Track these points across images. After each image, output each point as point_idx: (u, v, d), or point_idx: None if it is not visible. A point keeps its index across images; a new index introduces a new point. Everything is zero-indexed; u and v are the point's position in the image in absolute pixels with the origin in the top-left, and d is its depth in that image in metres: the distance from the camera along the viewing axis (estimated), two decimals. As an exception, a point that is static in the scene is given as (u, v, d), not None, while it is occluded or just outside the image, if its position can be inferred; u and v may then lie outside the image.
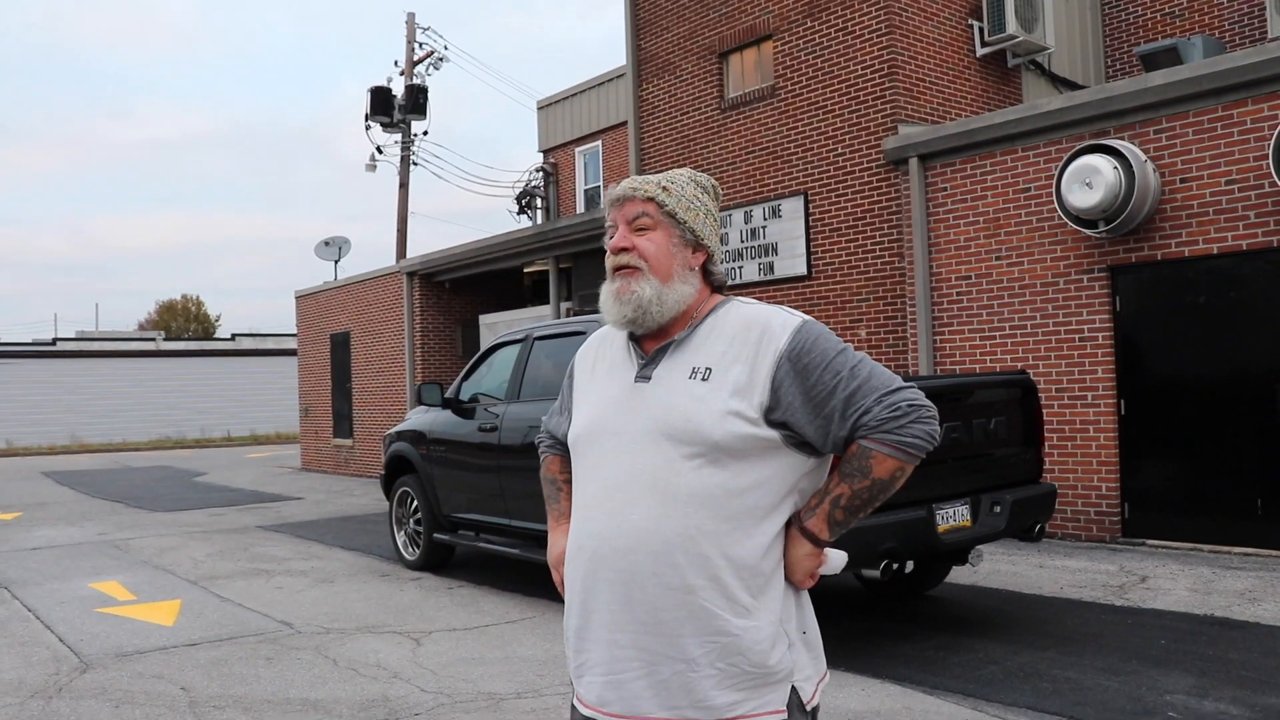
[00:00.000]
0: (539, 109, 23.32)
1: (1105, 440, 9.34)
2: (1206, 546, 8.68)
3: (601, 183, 21.24)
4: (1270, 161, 8.08)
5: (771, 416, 1.99)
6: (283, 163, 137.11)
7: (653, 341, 2.14)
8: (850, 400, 2.00)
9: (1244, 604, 6.79)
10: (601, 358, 2.24)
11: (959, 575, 7.86)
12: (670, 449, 1.99)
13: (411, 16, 25.34)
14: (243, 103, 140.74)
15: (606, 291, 2.13)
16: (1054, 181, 9.39)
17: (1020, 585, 7.72)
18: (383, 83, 24.59)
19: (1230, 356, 8.67)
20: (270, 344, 39.55)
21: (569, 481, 2.30)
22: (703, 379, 2.02)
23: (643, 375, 2.09)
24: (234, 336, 41.25)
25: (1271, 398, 8.39)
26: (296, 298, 23.27)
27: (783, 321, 2.05)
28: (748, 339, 2.04)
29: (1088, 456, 9.44)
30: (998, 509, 6.20)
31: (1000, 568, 8.33)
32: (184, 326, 63.18)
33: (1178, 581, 7.55)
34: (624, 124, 18.38)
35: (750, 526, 2.00)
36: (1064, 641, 6.09)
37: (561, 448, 2.39)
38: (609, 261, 2.14)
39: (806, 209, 11.99)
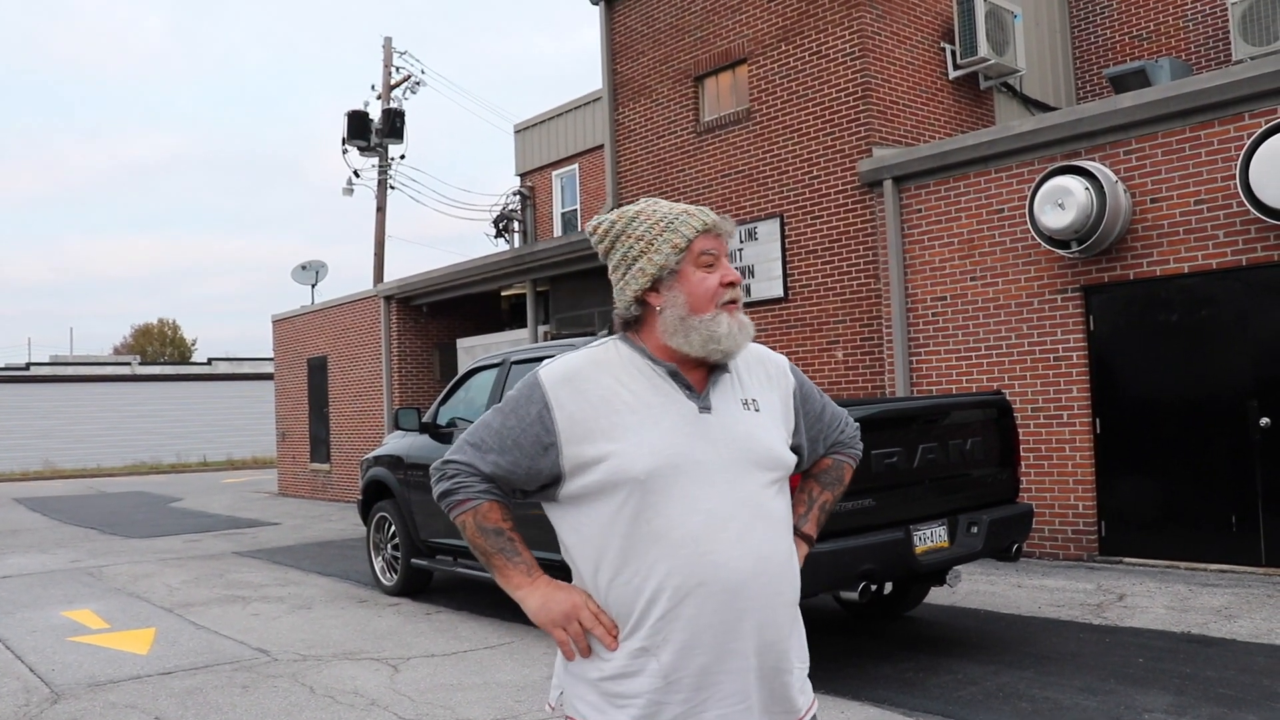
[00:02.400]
0: (516, 132, 23.37)
1: (1081, 459, 9.39)
2: (1183, 564, 8.73)
3: (579, 206, 21.29)
4: (1238, 182, 8.18)
5: (792, 443, 2.26)
6: (259, 186, 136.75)
7: (692, 373, 2.16)
8: (830, 424, 2.41)
9: (1220, 621, 6.82)
10: (617, 390, 2.11)
11: (937, 596, 7.88)
12: (759, 476, 2.11)
13: (389, 40, 25.40)
14: (218, 125, 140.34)
15: (729, 322, 2.13)
16: (1027, 202, 9.47)
17: (999, 605, 7.74)
18: (359, 106, 24.70)
19: (1202, 374, 8.74)
20: (247, 368, 39.38)
21: (516, 530, 2.18)
22: (755, 410, 2.18)
23: (704, 406, 2.12)
24: (210, 361, 41.07)
25: (1243, 414, 8.46)
26: (273, 322, 23.18)
27: (776, 358, 2.33)
28: (766, 372, 2.27)
29: (1064, 475, 9.49)
30: (975, 529, 6.22)
31: (979, 588, 8.35)
32: (160, 350, 62.82)
33: (1155, 599, 7.58)
34: (601, 147, 18.46)
35: None
36: (1043, 661, 6.11)
37: (499, 492, 2.16)
38: (728, 293, 2.15)
39: (783, 231, 12.05)
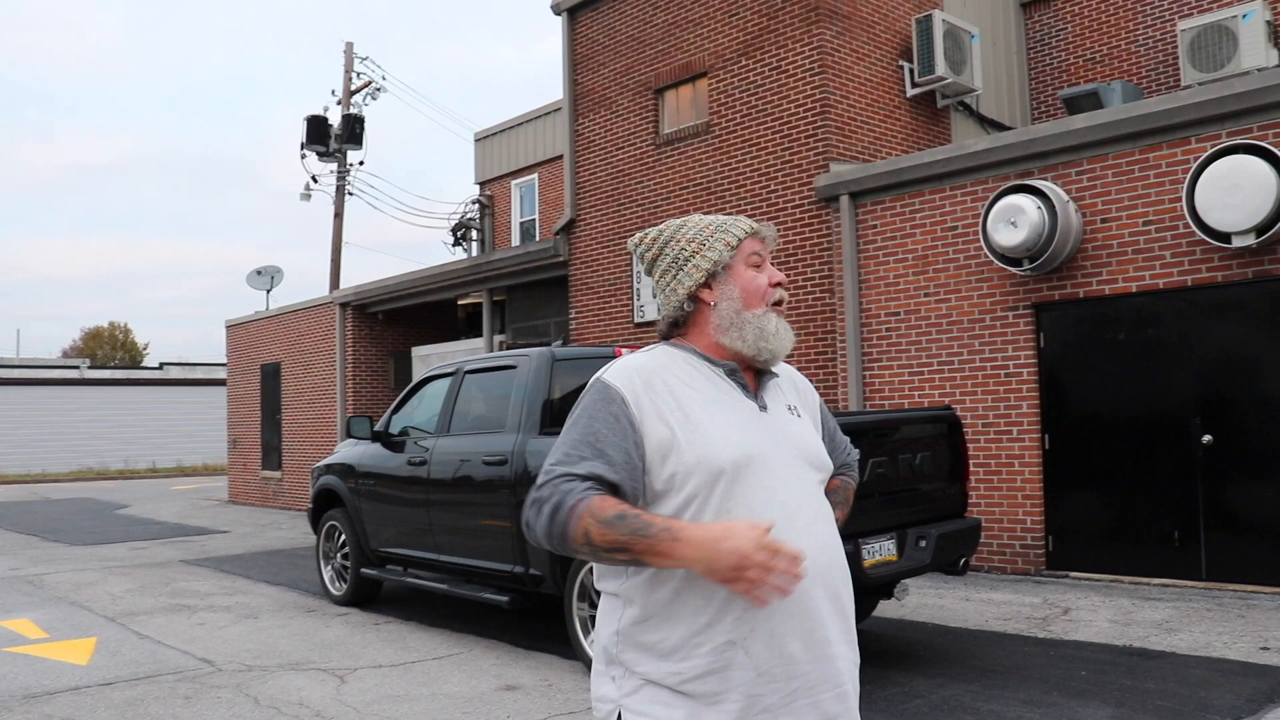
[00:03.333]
0: (476, 141, 23.32)
1: (1030, 474, 9.50)
2: (1127, 578, 8.85)
3: (537, 215, 21.27)
4: (1184, 204, 8.32)
5: None
6: (215, 190, 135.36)
7: (747, 374, 2.25)
8: (840, 446, 2.53)
9: (1161, 634, 6.92)
10: (683, 385, 2.13)
11: (886, 609, 7.93)
12: (813, 474, 2.21)
13: (350, 46, 25.25)
14: (174, 128, 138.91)
15: (776, 323, 2.23)
16: (980, 220, 9.58)
17: (946, 618, 7.80)
18: (319, 111, 24.49)
19: (1148, 392, 8.88)
20: (199, 373, 38.93)
21: (637, 506, 2.05)
22: (798, 415, 2.29)
23: (762, 405, 2.22)
24: (162, 366, 40.54)
25: (1186, 432, 8.60)
26: (227, 327, 22.94)
27: (802, 376, 2.46)
28: (796, 386, 2.39)
29: (1013, 490, 9.59)
30: (923, 543, 6.27)
31: (927, 601, 8.41)
32: (110, 355, 61.91)
33: (1099, 613, 7.67)
34: (560, 157, 18.46)
35: None
36: (988, 674, 6.16)
37: (608, 489, 2.02)
38: (774, 294, 2.25)
39: (739, 244, 12.08)
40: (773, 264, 2.29)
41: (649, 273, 2.31)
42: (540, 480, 2.03)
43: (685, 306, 2.23)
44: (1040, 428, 9.48)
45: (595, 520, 1.95)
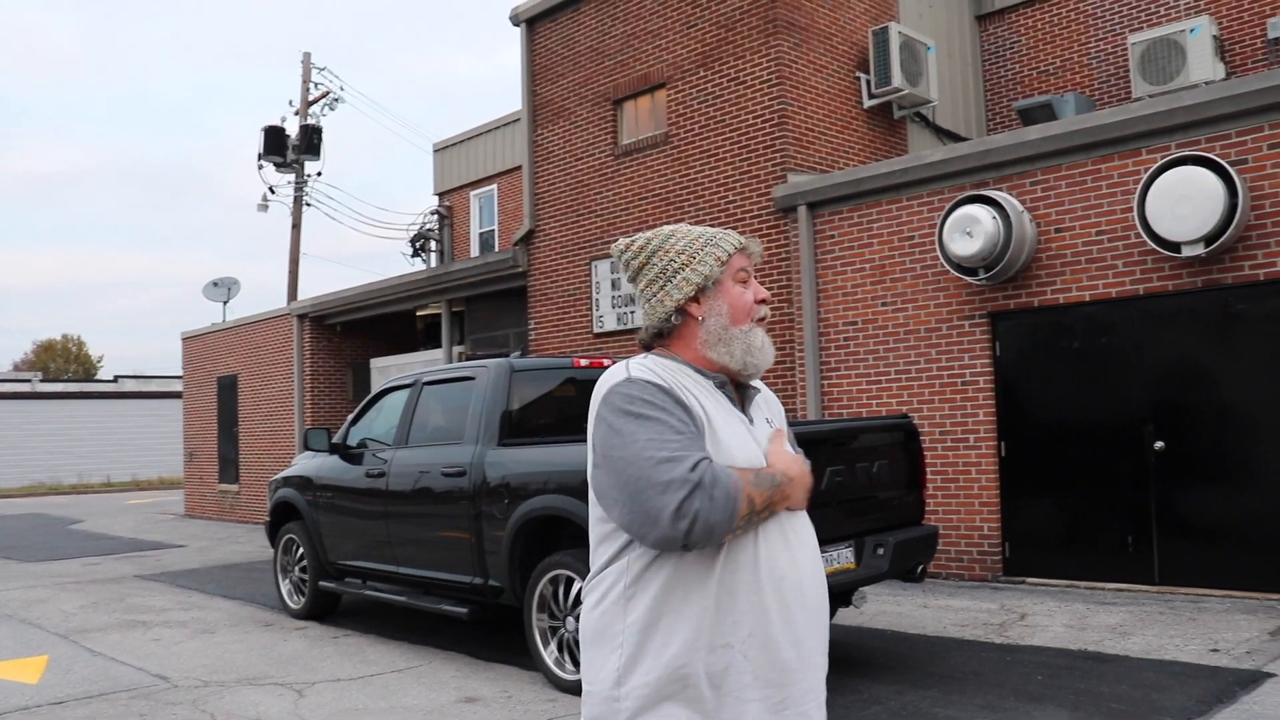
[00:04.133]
0: (435, 151, 23.26)
1: (987, 482, 9.59)
2: (1083, 583, 8.95)
3: (496, 226, 21.24)
4: (1135, 214, 8.45)
5: None
6: (171, 200, 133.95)
7: (733, 387, 2.28)
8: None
9: (1115, 638, 7.01)
10: (700, 398, 2.16)
11: (844, 617, 7.97)
12: None
13: (308, 56, 25.14)
14: (129, 137, 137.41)
15: (763, 336, 2.26)
16: (936, 230, 9.67)
17: (905, 625, 7.85)
18: (276, 122, 24.36)
19: (1102, 399, 9.00)
20: (155, 386, 38.50)
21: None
22: (773, 428, 2.31)
23: (750, 419, 2.26)
24: (117, 378, 40.08)
25: (1139, 438, 8.72)
26: (183, 339, 22.70)
27: (770, 391, 2.46)
28: (767, 396, 2.40)
29: (970, 498, 9.68)
30: (881, 551, 6.31)
31: (886, 608, 8.47)
32: (63, 367, 61.08)
33: (1055, 618, 7.75)
34: (520, 168, 18.45)
35: None
36: (946, 680, 6.21)
37: None
38: (759, 310, 2.28)
39: (699, 254, 12.12)
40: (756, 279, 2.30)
41: (632, 280, 2.31)
42: (675, 475, 1.94)
43: (673, 319, 2.24)
44: (996, 435, 9.57)
45: (752, 487, 2.03)
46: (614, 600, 2.11)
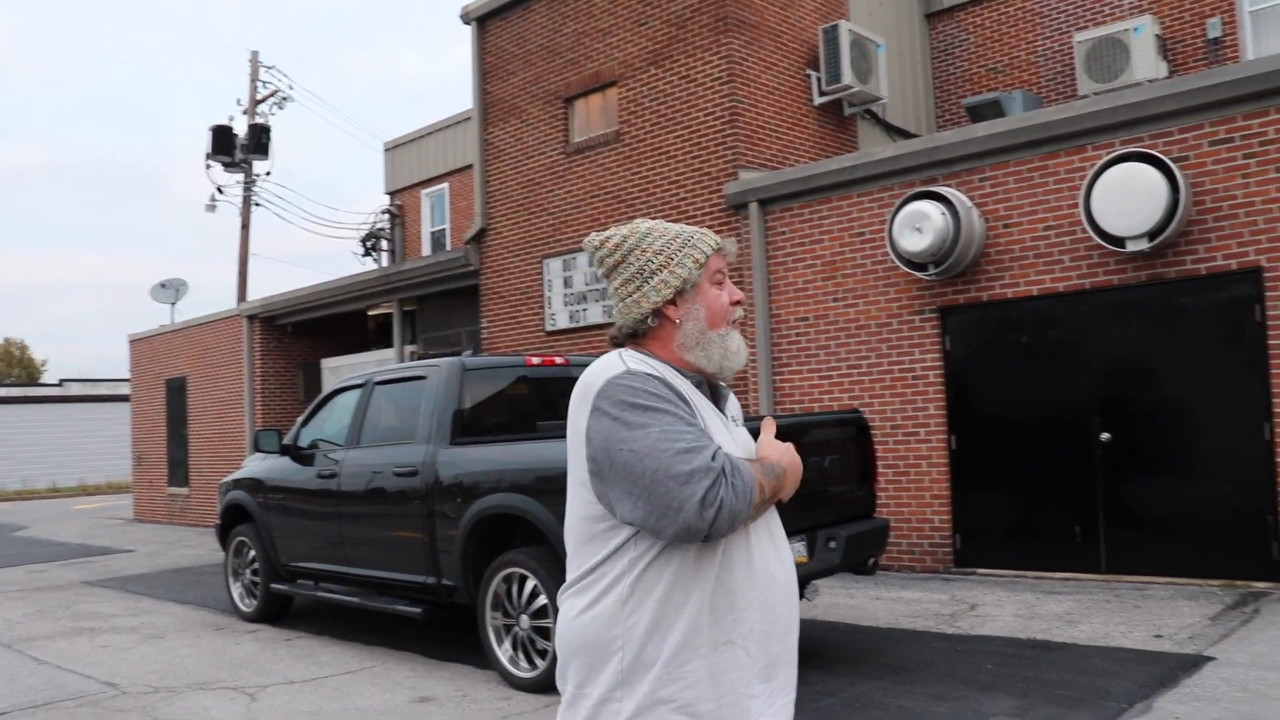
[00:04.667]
0: (386, 150, 23.10)
1: (937, 475, 9.69)
2: (1031, 573, 9.07)
3: (448, 225, 21.13)
4: (1081, 210, 8.58)
5: None
6: (117, 201, 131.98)
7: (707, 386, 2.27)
8: None
9: (1063, 626, 7.11)
10: (688, 393, 2.14)
11: (800, 610, 8.00)
12: None
13: (255, 54, 24.86)
14: (73, 137, 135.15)
15: (738, 339, 2.25)
16: (886, 226, 9.76)
17: (857, 618, 7.91)
18: (224, 121, 24.05)
19: (1050, 392, 9.12)
20: (103, 389, 37.88)
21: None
22: (740, 427, 2.30)
23: (725, 417, 2.26)
24: (62, 382, 39.38)
25: (1086, 430, 8.86)
26: (130, 341, 22.38)
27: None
28: (731, 396, 2.38)
29: (921, 491, 9.77)
30: (833, 544, 6.36)
31: (839, 601, 8.53)
32: (6, 372, 59.94)
33: (1004, 608, 7.85)
34: (471, 167, 18.35)
35: None
36: (898, 671, 6.27)
37: None
38: (734, 312, 2.26)
39: (651, 252, 12.13)
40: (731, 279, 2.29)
41: (606, 276, 2.27)
42: (698, 464, 1.93)
43: (649, 321, 2.20)
44: (947, 429, 9.67)
45: (761, 476, 2.05)
46: (611, 603, 2.06)
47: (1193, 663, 5.97)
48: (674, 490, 1.92)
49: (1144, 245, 8.24)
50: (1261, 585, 7.92)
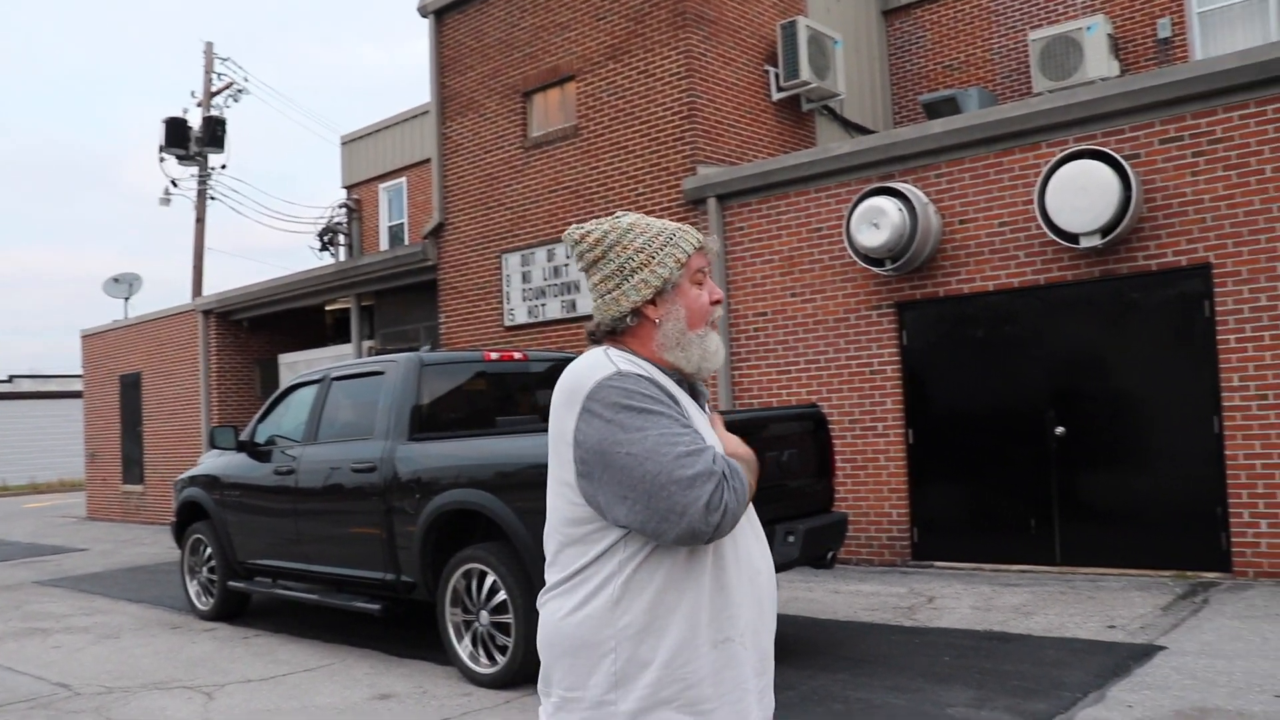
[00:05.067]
0: (343, 144, 22.91)
1: (895, 469, 9.77)
2: (988, 566, 9.18)
3: (405, 219, 21.01)
4: (1036, 206, 8.68)
5: None
6: (68, 193, 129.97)
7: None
8: None
9: (1019, 618, 7.20)
10: (674, 391, 2.14)
11: (759, 603, 8.04)
12: None
13: (210, 46, 24.54)
14: (20, 128, 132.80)
15: (716, 340, 2.24)
16: (844, 222, 9.82)
17: (816, 611, 7.97)
18: (178, 113, 23.71)
19: (1006, 386, 9.23)
20: (54, 385, 37.28)
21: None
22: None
23: (704, 412, 2.24)
24: (12, 378, 38.70)
25: (1041, 424, 8.97)
26: (82, 337, 22.05)
27: None
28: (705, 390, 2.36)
29: (879, 484, 9.85)
30: (791, 538, 6.39)
31: (798, 595, 8.58)
32: (-45, 369, 58.85)
33: (961, 600, 7.94)
34: (429, 161, 18.25)
35: None
36: (857, 663, 6.33)
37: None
38: (714, 311, 2.25)
39: (611, 247, 12.12)
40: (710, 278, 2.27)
41: (585, 271, 2.24)
42: (700, 469, 1.93)
43: (628, 320, 2.17)
44: (904, 423, 9.76)
45: (747, 474, 2.08)
46: (601, 605, 2.02)
47: (1144, 652, 6.07)
48: (676, 495, 1.91)
49: (1097, 241, 8.35)
50: (1211, 575, 8.07)
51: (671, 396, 2.08)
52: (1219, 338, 8.11)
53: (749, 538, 2.17)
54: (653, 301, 2.16)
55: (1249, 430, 7.97)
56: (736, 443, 2.18)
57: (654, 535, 1.97)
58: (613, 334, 2.21)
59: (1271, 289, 7.90)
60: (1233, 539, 8.02)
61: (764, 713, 2.15)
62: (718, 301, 2.24)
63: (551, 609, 2.11)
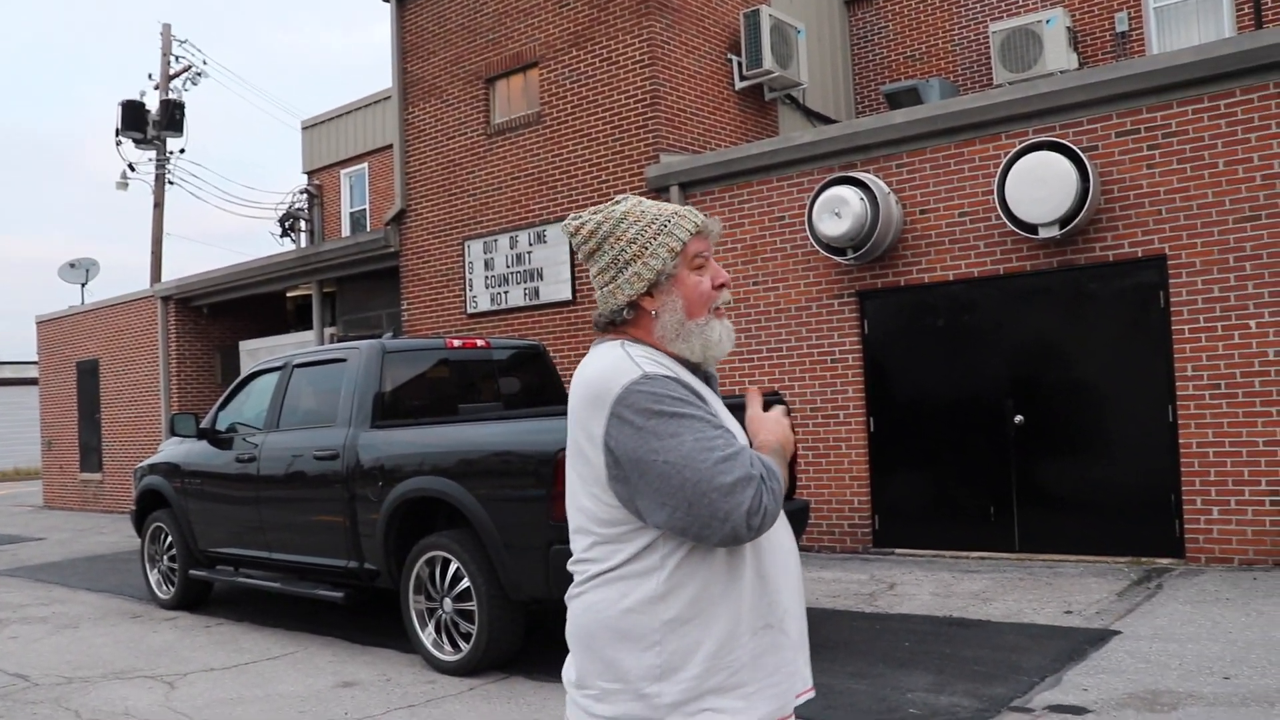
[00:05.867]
0: (304, 129, 22.72)
1: (857, 456, 9.86)
2: (948, 553, 9.29)
3: (368, 205, 20.87)
4: (996, 196, 8.77)
5: None
6: (22, 177, 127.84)
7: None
8: None
9: (978, 604, 7.31)
10: (700, 389, 2.11)
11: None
12: None
13: (168, 28, 24.19)
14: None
15: (720, 328, 2.16)
16: (806, 211, 9.88)
17: (779, 597, 8.02)
18: (136, 96, 23.36)
19: (965, 376, 9.33)
20: (8, 373, 36.73)
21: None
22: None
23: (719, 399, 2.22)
24: (-35, 365, 38.08)
25: (1000, 413, 9.08)
26: (38, 323, 21.77)
27: None
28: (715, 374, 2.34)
29: (841, 472, 9.94)
30: (754, 525, 6.43)
31: (761, 581, 8.63)
32: (-93, 355, 57.81)
33: (922, 587, 8.04)
34: (391, 146, 18.14)
35: None
36: (818, 649, 6.35)
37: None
38: (718, 297, 2.17)
39: (574, 235, 12.12)
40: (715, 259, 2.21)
41: (584, 261, 2.21)
42: (739, 474, 1.92)
43: (625, 313, 2.14)
44: (866, 411, 9.85)
45: (780, 466, 2.06)
46: (643, 599, 2.01)
47: (1100, 637, 6.18)
48: (718, 502, 1.90)
49: (1055, 232, 8.45)
50: (1165, 561, 8.22)
51: (699, 395, 2.04)
52: (1174, 328, 8.25)
53: (779, 522, 2.15)
54: (649, 293, 2.13)
55: (1202, 419, 8.11)
56: (774, 427, 2.15)
57: (698, 539, 1.96)
58: (614, 325, 2.18)
59: (1224, 280, 8.04)
60: (1186, 525, 8.17)
61: (804, 682, 2.17)
62: (722, 285, 2.18)
63: (587, 602, 2.09)
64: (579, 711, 2.10)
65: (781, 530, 2.17)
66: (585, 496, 2.09)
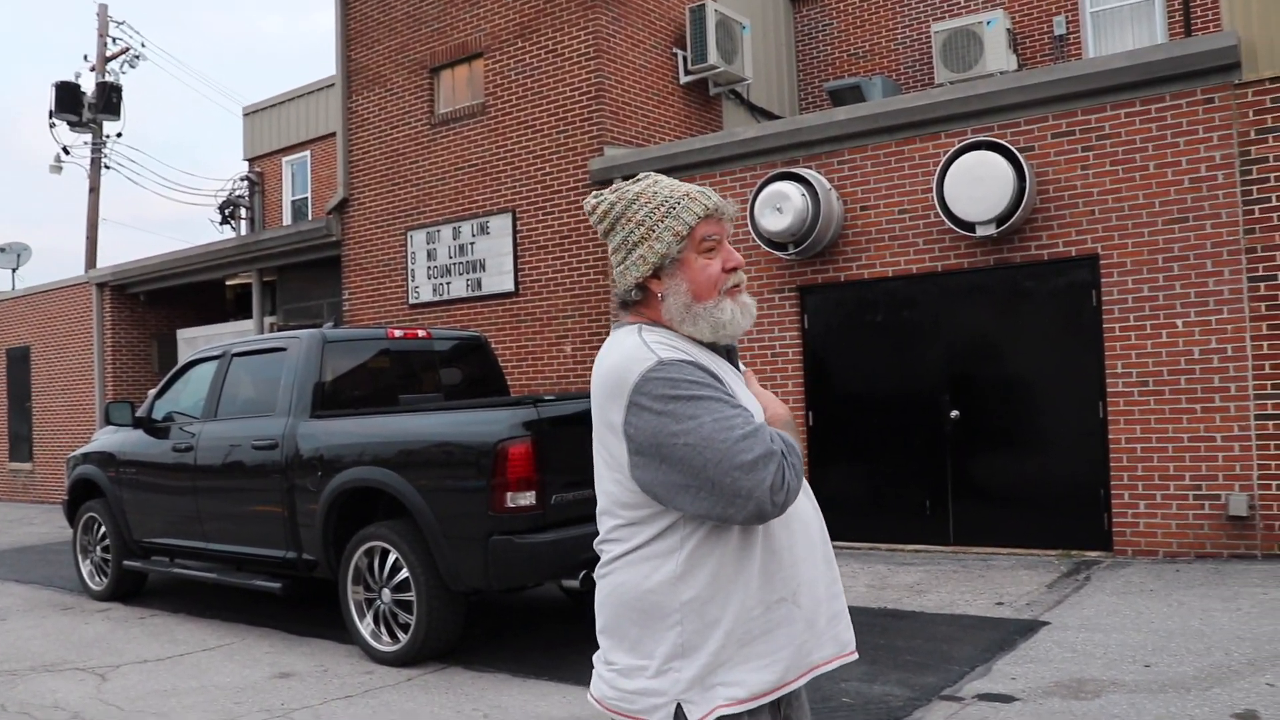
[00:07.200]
0: (245, 115, 22.40)
1: (796, 450, 9.95)
2: (884, 545, 9.43)
3: (310, 194, 20.65)
4: (934, 194, 8.90)
5: None
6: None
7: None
8: None
9: (912, 596, 7.43)
10: (716, 369, 2.13)
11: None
12: None
13: (104, 9, 23.74)
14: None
15: (731, 308, 2.16)
16: (748, 206, 9.95)
17: (717, 589, 8.09)
18: (71, 78, 22.89)
19: (903, 371, 9.47)
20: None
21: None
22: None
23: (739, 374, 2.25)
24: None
25: (937, 408, 9.23)
26: (-34, 309, 21.29)
27: None
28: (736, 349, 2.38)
29: (780, 465, 10.02)
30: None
31: (700, 573, 8.71)
32: None
33: (858, 579, 8.15)
34: (334, 135, 17.97)
35: None
36: (754, 640, 6.46)
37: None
38: (733, 277, 2.18)
39: (514, 226, 12.14)
40: (730, 242, 2.22)
41: (603, 239, 2.24)
42: (759, 451, 1.94)
43: (633, 295, 2.18)
44: (805, 406, 9.95)
45: (795, 439, 2.10)
46: (664, 579, 2.06)
47: (1029, 627, 6.32)
48: (741, 480, 1.93)
49: (992, 230, 8.60)
50: (1094, 554, 8.41)
51: (715, 375, 2.06)
52: (1105, 326, 8.43)
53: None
54: (656, 276, 2.15)
55: (1130, 415, 8.31)
56: (771, 400, 2.21)
57: (723, 519, 2.00)
58: (627, 305, 2.22)
59: (1153, 280, 8.23)
60: (1114, 519, 8.37)
61: (837, 646, 2.21)
62: (735, 268, 2.18)
63: (613, 583, 2.14)
64: (604, 685, 2.17)
65: (805, 502, 2.21)
66: (609, 481, 2.14)
